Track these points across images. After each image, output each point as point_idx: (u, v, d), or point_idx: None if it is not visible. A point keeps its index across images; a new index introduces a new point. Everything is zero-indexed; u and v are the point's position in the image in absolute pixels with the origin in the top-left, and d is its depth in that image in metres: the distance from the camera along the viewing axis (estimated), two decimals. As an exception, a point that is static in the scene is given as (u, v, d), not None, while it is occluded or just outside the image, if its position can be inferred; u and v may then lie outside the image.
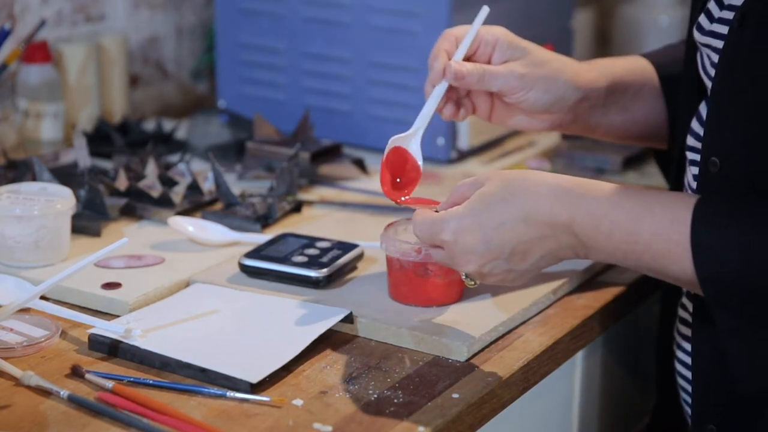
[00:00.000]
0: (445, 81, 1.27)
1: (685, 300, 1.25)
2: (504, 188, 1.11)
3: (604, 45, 2.38)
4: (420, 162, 1.26)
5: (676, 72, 1.33)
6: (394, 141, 1.26)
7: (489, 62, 1.31)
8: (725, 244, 1.04)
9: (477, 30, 1.29)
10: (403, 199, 1.24)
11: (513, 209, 1.10)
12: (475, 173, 1.67)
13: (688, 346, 1.23)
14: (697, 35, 1.19)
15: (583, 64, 1.35)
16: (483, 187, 1.12)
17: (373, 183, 1.63)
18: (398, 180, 1.25)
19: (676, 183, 1.28)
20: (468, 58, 1.30)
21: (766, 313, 1.04)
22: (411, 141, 1.26)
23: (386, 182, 1.24)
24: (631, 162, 1.71)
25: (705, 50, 1.19)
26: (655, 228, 1.07)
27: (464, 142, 1.73)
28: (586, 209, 1.09)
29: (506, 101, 1.31)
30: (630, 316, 1.39)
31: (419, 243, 1.21)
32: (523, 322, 1.24)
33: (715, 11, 1.17)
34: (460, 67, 1.27)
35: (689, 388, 1.22)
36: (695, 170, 1.19)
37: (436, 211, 1.16)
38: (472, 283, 1.17)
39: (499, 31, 1.30)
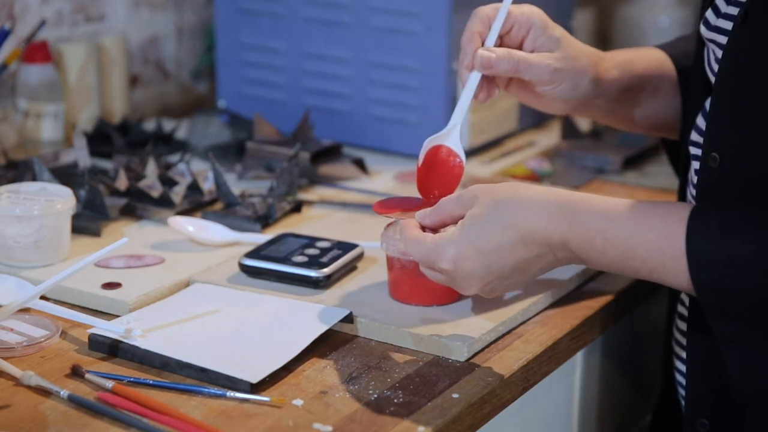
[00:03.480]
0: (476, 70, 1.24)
1: (683, 296, 1.26)
2: (496, 210, 1.10)
3: (604, 45, 2.38)
4: (462, 157, 1.23)
5: (691, 63, 1.33)
6: (431, 141, 1.23)
7: (521, 45, 1.27)
8: (721, 253, 1.04)
9: (508, 9, 1.25)
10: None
11: (509, 231, 1.09)
12: (475, 173, 1.67)
13: (684, 341, 1.24)
14: (703, 30, 1.19)
15: (606, 60, 1.33)
16: (473, 208, 1.11)
17: (373, 183, 1.63)
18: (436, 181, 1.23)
19: (682, 178, 1.28)
20: (500, 37, 1.26)
21: (762, 319, 1.04)
22: (449, 138, 1.23)
23: (422, 186, 1.22)
24: (631, 162, 1.71)
25: (710, 45, 1.19)
26: (650, 245, 1.07)
27: (464, 142, 1.73)
28: (580, 228, 1.09)
29: (529, 86, 1.29)
30: (630, 315, 1.40)
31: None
32: (523, 322, 1.24)
33: (722, 6, 1.17)
34: (490, 55, 1.22)
35: (684, 382, 1.23)
36: (697, 165, 1.19)
37: (424, 229, 1.15)
38: None
39: (535, 14, 1.26)
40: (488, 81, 1.26)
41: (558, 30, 1.28)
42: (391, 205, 1.23)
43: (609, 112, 1.36)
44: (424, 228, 1.15)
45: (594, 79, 1.29)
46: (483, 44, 1.25)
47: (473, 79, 1.24)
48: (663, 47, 1.39)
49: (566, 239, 1.09)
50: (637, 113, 1.37)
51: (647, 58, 1.37)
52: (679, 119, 1.37)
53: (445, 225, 1.15)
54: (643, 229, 1.07)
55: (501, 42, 1.27)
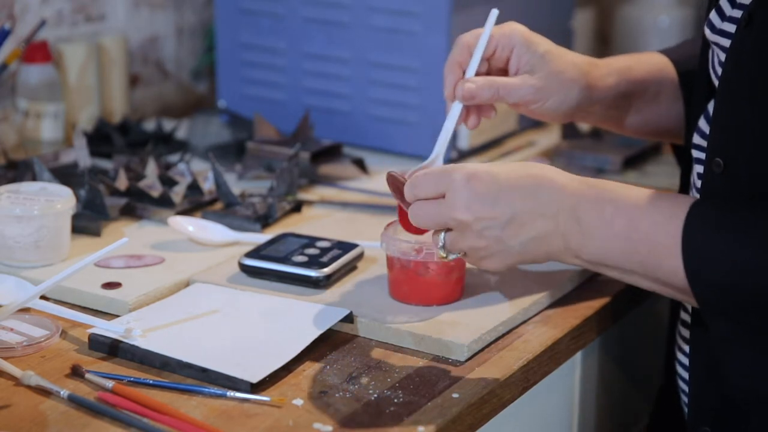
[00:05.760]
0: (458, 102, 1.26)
1: (696, 300, 1.25)
2: (523, 164, 1.12)
3: (604, 45, 2.38)
4: None
5: (695, 68, 1.33)
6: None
7: (506, 65, 1.29)
8: (715, 248, 1.04)
9: (489, 35, 1.27)
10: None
11: (530, 178, 1.10)
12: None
13: (687, 348, 1.23)
14: (707, 33, 1.18)
15: (600, 67, 1.33)
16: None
17: (373, 183, 1.63)
18: None
19: (684, 181, 1.28)
20: (486, 60, 1.28)
21: (756, 320, 1.04)
22: (433, 167, 1.22)
23: (403, 219, 1.21)
24: (631, 162, 1.71)
25: (715, 48, 1.18)
26: (655, 218, 1.07)
27: (464, 142, 1.73)
28: (594, 194, 1.10)
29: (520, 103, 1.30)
30: (630, 316, 1.39)
31: (420, 242, 1.21)
32: (523, 322, 1.24)
33: (727, 9, 1.16)
34: (470, 86, 1.25)
35: (687, 389, 1.22)
36: (700, 169, 1.19)
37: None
38: (444, 256, 1.15)
39: (516, 32, 1.28)
40: (480, 105, 1.28)
41: (543, 45, 1.29)
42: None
43: (608, 118, 1.37)
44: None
45: (585, 88, 1.30)
46: (464, 73, 1.27)
47: (456, 108, 1.26)
48: (665, 51, 1.39)
49: (578, 202, 1.09)
50: (638, 119, 1.37)
51: (646, 63, 1.36)
52: (682, 124, 1.37)
53: None
54: (653, 204, 1.08)
55: (488, 65, 1.28)
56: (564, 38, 1.88)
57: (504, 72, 1.30)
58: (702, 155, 1.18)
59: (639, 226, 1.08)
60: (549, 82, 1.28)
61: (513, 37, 1.28)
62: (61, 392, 1.07)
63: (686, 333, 1.24)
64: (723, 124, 1.13)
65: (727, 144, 1.11)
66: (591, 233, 1.09)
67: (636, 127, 1.38)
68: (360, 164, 1.66)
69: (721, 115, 1.13)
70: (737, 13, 1.13)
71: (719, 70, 1.15)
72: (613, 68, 1.34)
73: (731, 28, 1.13)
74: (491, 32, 1.27)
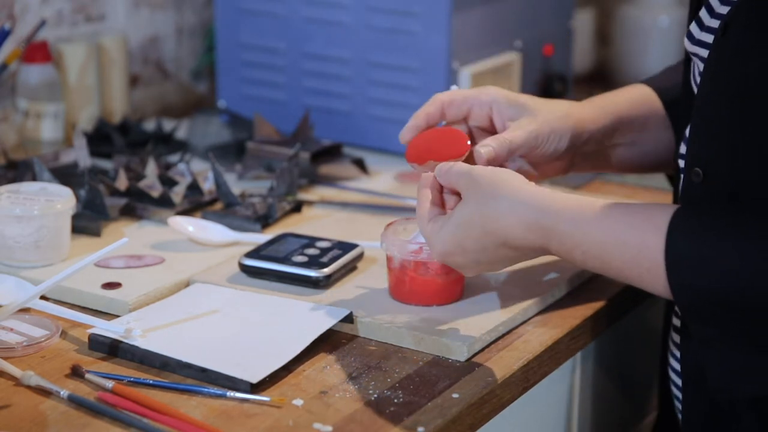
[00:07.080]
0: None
1: (677, 307, 1.25)
2: (478, 213, 1.12)
3: (604, 45, 2.38)
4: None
5: (679, 94, 1.32)
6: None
7: (490, 123, 1.29)
8: (696, 254, 1.03)
9: (468, 94, 1.29)
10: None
11: (491, 236, 1.12)
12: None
13: (678, 353, 1.23)
14: (687, 43, 1.17)
15: (584, 105, 1.33)
16: (462, 200, 1.13)
17: (373, 183, 1.63)
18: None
19: (675, 190, 1.27)
20: (464, 122, 1.30)
21: (740, 324, 1.03)
22: None
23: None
24: (631, 162, 1.71)
25: (694, 59, 1.18)
26: (624, 257, 1.08)
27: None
28: (558, 240, 1.10)
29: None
30: (629, 316, 1.40)
31: (420, 242, 1.21)
32: (523, 322, 1.24)
33: (706, 19, 1.15)
34: (489, 150, 1.22)
35: (680, 395, 1.22)
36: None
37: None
38: None
39: (492, 90, 1.29)
40: None
41: (521, 96, 1.29)
42: (424, 145, 1.26)
43: (605, 158, 1.35)
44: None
45: (575, 124, 1.29)
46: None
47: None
48: (647, 81, 1.38)
49: (546, 248, 1.12)
50: (634, 152, 1.35)
51: (627, 94, 1.35)
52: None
53: (452, 190, 1.17)
54: (618, 241, 1.08)
55: (467, 128, 1.30)
56: (564, 38, 1.88)
57: (488, 132, 1.30)
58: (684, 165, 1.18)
59: (611, 265, 1.09)
60: (541, 125, 1.27)
61: (492, 95, 1.28)
62: (61, 392, 1.07)
63: (677, 338, 1.24)
64: (700, 134, 1.12)
65: (705, 153, 1.11)
66: (567, 259, 1.12)
67: (635, 162, 1.36)
68: (360, 164, 1.66)
69: (699, 124, 1.12)
70: (715, 23, 1.13)
71: (699, 80, 1.15)
72: (595, 103, 1.34)
73: (709, 38, 1.13)
74: (466, 94, 1.29)
